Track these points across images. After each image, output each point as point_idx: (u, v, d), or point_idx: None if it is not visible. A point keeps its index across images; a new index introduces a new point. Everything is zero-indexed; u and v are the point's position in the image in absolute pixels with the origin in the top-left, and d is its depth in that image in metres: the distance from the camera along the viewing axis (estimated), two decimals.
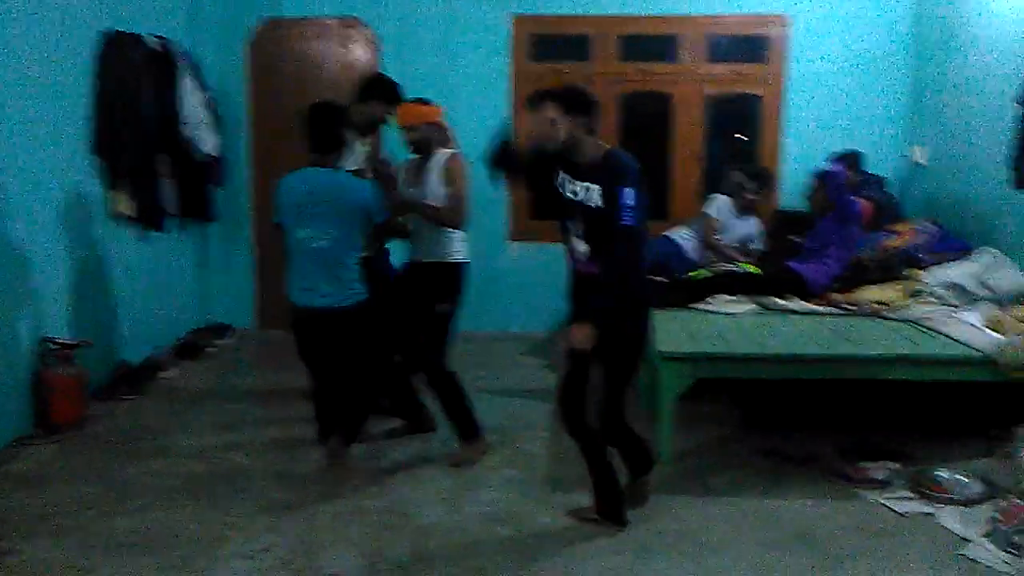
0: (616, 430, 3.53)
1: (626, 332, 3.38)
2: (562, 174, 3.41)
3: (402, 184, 4.36)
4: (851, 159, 6.05)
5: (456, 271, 4.29)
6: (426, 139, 4.22)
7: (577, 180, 3.35)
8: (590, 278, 3.39)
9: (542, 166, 3.48)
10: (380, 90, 4.63)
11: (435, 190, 4.20)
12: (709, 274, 5.43)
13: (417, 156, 4.31)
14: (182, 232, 6.50)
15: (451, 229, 4.22)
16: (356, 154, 4.55)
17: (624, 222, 3.21)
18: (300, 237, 3.84)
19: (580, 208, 3.34)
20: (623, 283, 3.30)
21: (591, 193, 3.29)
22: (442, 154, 4.24)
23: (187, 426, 4.79)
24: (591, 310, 3.31)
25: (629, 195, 3.20)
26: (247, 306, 6.99)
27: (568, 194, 3.38)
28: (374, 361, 4.13)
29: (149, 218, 5.74)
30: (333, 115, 3.93)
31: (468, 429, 4.29)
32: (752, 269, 5.52)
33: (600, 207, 3.27)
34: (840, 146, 6.52)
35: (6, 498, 3.84)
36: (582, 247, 3.41)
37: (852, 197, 5.33)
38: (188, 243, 6.65)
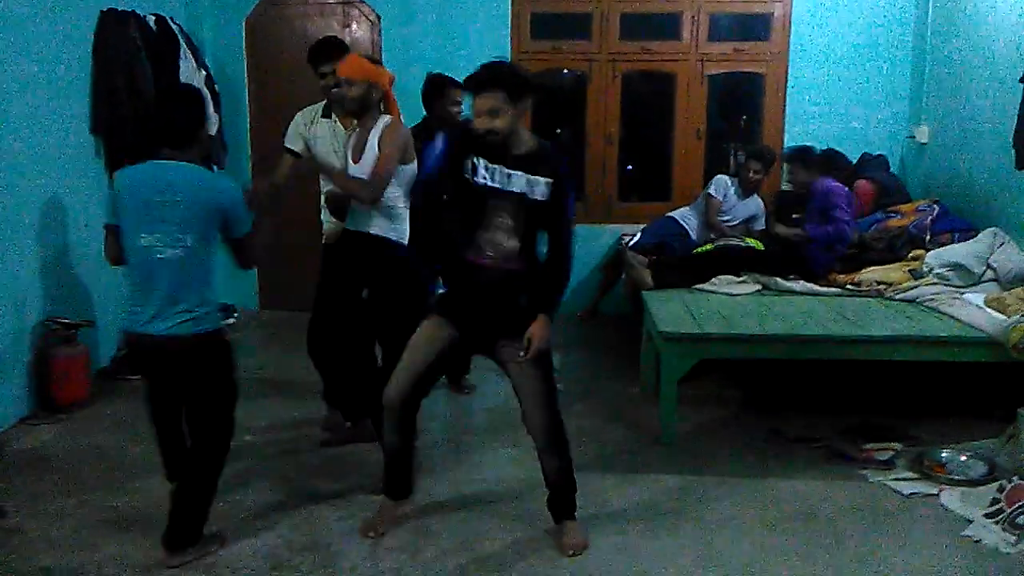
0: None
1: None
2: (478, 160, 3.05)
3: (348, 158, 3.78)
4: (822, 164, 5.59)
5: (399, 252, 3.74)
6: (365, 100, 3.65)
7: (511, 169, 3.05)
8: (512, 275, 3.11)
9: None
10: (333, 51, 4.06)
11: (372, 165, 3.64)
12: (711, 247, 5.41)
13: (355, 124, 3.79)
14: None
15: (362, 203, 3.68)
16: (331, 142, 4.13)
17: (570, 215, 3.13)
18: (144, 245, 3.01)
19: (515, 199, 3.05)
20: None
21: (535, 186, 3.04)
22: (381, 122, 3.70)
23: None
24: (551, 307, 3.14)
25: (573, 191, 3.14)
26: (250, 286, 6.97)
27: (493, 182, 3.05)
28: (229, 407, 3.24)
29: None
30: (185, 101, 3.22)
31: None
32: (755, 244, 5.49)
33: (543, 201, 3.05)
34: (842, 125, 6.55)
35: (10, 477, 3.85)
36: (510, 242, 3.09)
37: (831, 184, 5.28)
38: None
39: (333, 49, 4.08)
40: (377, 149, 3.62)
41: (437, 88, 4.77)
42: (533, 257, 3.15)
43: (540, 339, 3.08)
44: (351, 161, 3.75)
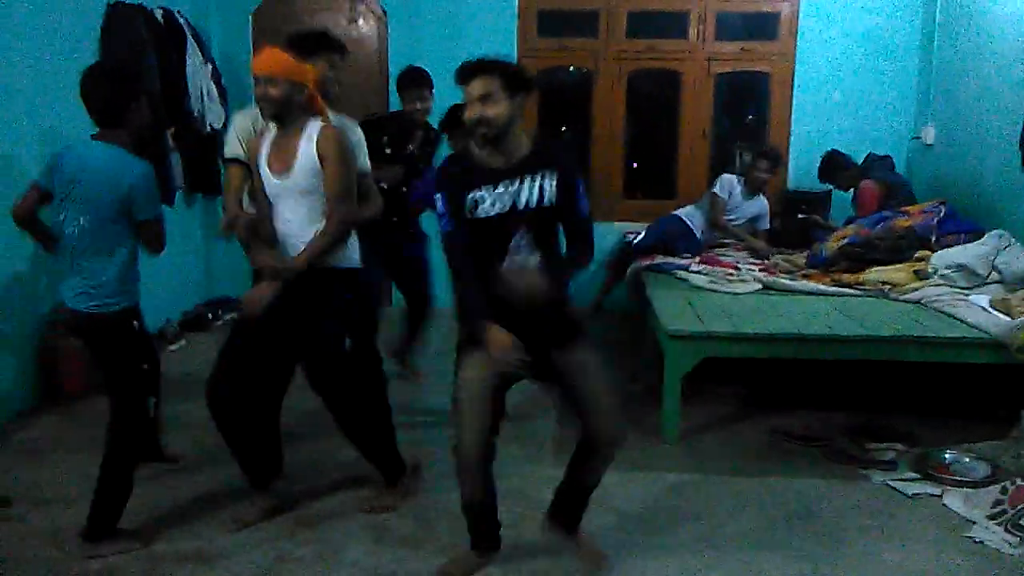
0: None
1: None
2: (476, 193, 2.75)
3: (264, 168, 3.23)
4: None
5: (351, 279, 3.39)
6: (288, 102, 3.12)
7: (512, 180, 2.75)
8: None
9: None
10: (322, 43, 3.47)
11: (307, 178, 3.15)
12: None
13: (277, 128, 3.22)
14: (189, 206, 6.49)
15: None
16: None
17: (586, 212, 2.87)
18: (61, 219, 3.10)
19: (528, 213, 2.75)
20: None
21: (545, 184, 2.76)
22: (312, 127, 3.18)
23: (194, 397, 4.73)
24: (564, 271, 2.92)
25: (580, 178, 2.87)
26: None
27: (502, 208, 2.75)
28: (131, 394, 3.22)
29: None
30: (109, 79, 3.19)
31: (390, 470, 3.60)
32: None
33: (554, 202, 2.78)
34: (849, 126, 6.55)
35: (15, 467, 3.87)
36: (532, 258, 2.79)
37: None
38: (195, 217, 6.64)
39: (317, 44, 3.46)
40: (317, 160, 3.14)
41: (400, 83, 4.64)
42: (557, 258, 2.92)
43: (533, 281, 2.74)
44: (267, 171, 3.22)
